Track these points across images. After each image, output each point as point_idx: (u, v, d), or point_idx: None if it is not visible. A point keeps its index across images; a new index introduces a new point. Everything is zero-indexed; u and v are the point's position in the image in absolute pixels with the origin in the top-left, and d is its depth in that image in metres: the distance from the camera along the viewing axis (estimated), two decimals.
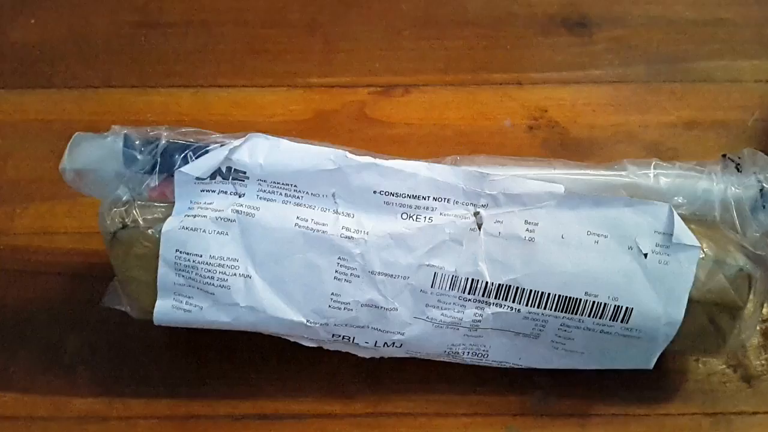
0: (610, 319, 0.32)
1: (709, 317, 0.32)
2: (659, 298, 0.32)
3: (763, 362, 0.37)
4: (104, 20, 0.48)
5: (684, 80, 0.46)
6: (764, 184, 0.33)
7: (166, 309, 0.33)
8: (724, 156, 0.34)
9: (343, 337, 0.33)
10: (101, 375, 0.37)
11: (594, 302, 0.32)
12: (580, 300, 0.32)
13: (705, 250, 0.32)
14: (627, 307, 0.32)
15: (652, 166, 0.33)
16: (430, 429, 0.35)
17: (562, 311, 0.32)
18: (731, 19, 0.48)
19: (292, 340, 0.34)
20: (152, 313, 0.33)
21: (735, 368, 0.37)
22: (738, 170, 0.33)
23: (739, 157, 0.34)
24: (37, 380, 0.36)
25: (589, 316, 0.32)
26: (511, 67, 0.46)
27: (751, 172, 0.33)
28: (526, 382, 0.36)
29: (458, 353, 0.34)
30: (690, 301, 0.32)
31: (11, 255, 0.40)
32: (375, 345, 0.34)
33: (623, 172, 0.33)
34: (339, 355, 0.35)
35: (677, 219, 0.32)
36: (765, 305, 0.35)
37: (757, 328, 0.37)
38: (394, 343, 0.33)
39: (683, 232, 0.31)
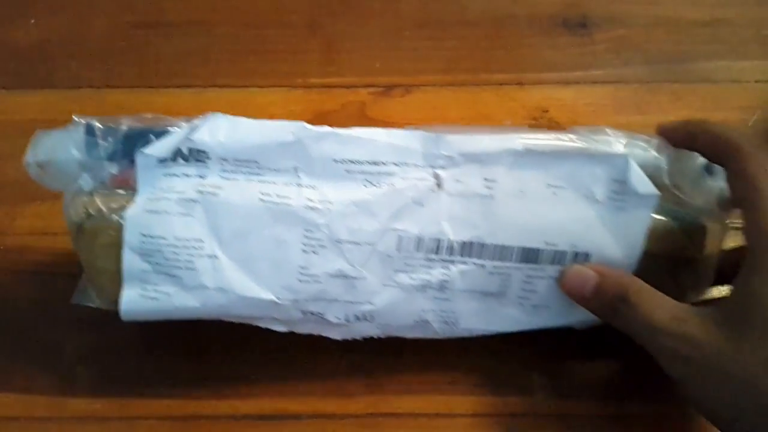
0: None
1: (667, 270, 0.33)
2: (617, 243, 0.32)
3: None
4: (104, 20, 0.48)
5: (684, 80, 0.46)
6: None
7: (133, 298, 0.33)
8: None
9: (314, 314, 0.33)
10: (101, 375, 0.37)
11: (554, 251, 0.33)
12: (540, 250, 0.33)
13: (660, 203, 0.32)
14: (586, 253, 0.33)
15: (605, 132, 0.34)
16: (430, 429, 0.35)
17: (524, 262, 0.33)
18: (731, 19, 0.48)
19: (263, 326, 0.34)
20: None
21: None
22: None
23: None
24: (37, 380, 0.36)
25: (550, 264, 0.33)
26: (512, 67, 0.46)
27: None
28: (526, 382, 0.36)
29: (428, 322, 0.34)
30: (646, 254, 0.32)
31: (11, 255, 0.40)
32: (346, 319, 0.34)
33: (575, 136, 0.33)
34: (338, 355, 0.35)
35: (634, 167, 0.32)
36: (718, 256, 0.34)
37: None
38: (365, 315, 0.34)
39: (640, 180, 0.32)
